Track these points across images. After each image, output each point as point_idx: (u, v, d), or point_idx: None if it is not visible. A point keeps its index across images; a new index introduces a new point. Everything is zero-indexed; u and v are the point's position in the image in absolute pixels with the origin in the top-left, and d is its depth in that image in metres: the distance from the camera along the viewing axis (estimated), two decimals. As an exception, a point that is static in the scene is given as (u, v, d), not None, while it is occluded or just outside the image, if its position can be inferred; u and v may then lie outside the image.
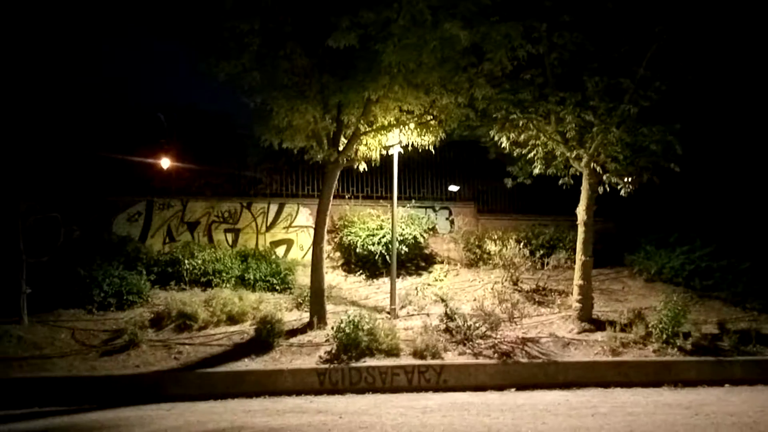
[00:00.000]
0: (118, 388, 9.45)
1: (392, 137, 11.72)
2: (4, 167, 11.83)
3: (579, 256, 11.85)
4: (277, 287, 13.09)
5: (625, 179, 11.60)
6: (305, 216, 15.11)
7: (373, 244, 14.03)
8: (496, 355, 10.23)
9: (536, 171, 12.04)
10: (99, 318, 11.58)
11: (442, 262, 14.75)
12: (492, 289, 12.92)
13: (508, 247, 13.64)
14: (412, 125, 11.49)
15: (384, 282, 13.40)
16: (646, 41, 10.89)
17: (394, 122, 11.33)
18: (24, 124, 12.44)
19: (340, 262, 14.62)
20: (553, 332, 11.06)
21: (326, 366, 9.90)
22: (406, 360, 10.09)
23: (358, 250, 14.21)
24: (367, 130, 11.38)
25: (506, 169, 12.83)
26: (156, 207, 14.56)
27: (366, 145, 11.71)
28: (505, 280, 13.30)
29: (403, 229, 14.21)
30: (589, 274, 11.78)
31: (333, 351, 10.15)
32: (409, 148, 12.09)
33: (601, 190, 11.78)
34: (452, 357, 10.22)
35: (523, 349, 10.36)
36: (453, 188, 15.29)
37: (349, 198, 15.28)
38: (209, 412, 8.59)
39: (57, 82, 13.51)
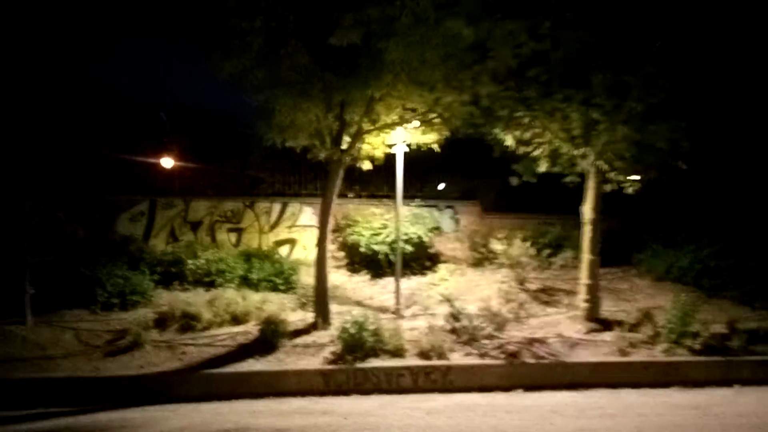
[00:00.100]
0: (123, 389, 9.44)
1: (396, 135, 11.65)
2: (8, 167, 11.83)
3: (585, 255, 11.74)
4: (281, 287, 13.04)
5: (632, 177, 11.48)
6: (309, 215, 15.07)
7: (377, 244, 13.98)
8: (502, 355, 10.13)
9: (542, 169, 11.92)
10: (102, 318, 11.57)
11: (447, 262, 14.66)
12: (498, 288, 12.82)
13: (514, 246, 13.54)
14: (415, 123, 11.41)
15: (388, 282, 13.34)
16: (652, 38, 10.76)
17: (398, 120, 11.25)
18: (27, 124, 12.44)
19: (344, 262, 14.58)
20: (560, 332, 10.95)
21: (331, 367, 9.83)
22: (411, 361, 10.01)
23: (362, 249, 14.16)
24: (371, 128, 11.31)
25: (511, 167, 12.72)
26: (159, 206, 14.56)
27: (369, 143, 11.64)
28: (512, 279, 13.20)
29: (408, 229, 14.13)
30: (596, 274, 11.67)
31: (338, 352, 10.08)
32: (413, 146, 12.03)
33: (607, 188, 11.67)
34: (458, 358, 10.14)
35: (530, 349, 10.25)
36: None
37: (353, 197, 15.23)
38: (214, 413, 8.58)
39: (60, 82, 13.52)
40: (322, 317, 11.13)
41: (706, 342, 10.48)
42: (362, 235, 14.20)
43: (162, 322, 11.25)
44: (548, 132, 11.46)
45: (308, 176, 15.22)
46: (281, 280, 13.15)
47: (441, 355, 10.08)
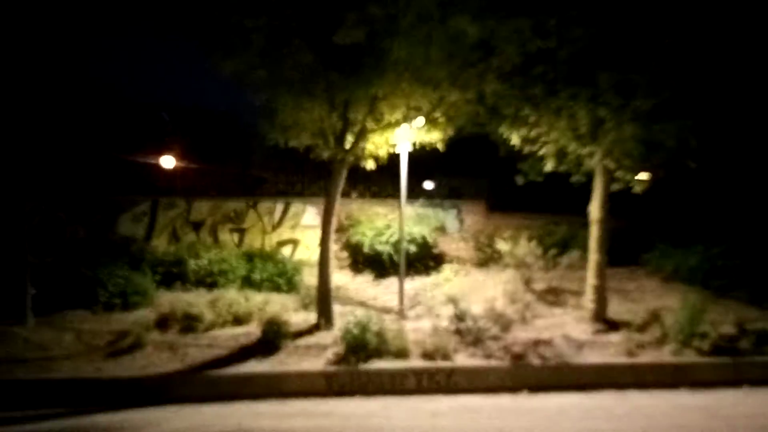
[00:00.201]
0: (124, 390, 9.36)
1: (400, 134, 11.56)
2: (9, 167, 11.79)
3: (592, 255, 11.64)
4: (284, 288, 12.98)
5: (639, 176, 11.38)
6: (312, 215, 14.99)
7: (381, 244, 13.91)
8: (507, 357, 10.03)
9: (548, 168, 11.83)
10: (104, 319, 11.51)
11: (451, 262, 14.58)
12: (503, 289, 12.71)
13: (520, 246, 13.43)
14: (420, 122, 11.31)
15: (392, 282, 13.26)
16: (659, 34, 10.65)
17: (402, 119, 11.17)
18: (28, 124, 12.40)
19: (347, 262, 14.52)
20: (566, 333, 10.83)
21: (334, 368, 9.75)
22: (415, 362, 9.91)
23: (365, 249, 14.09)
24: (375, 127, 11.22)
25: (517, 166, 12.62)
26: (161, 206, 14.52)
27: (373, 142, 11.56)
28: (517, 280, 13.08)
29: (412, 228, 14.04)
30: (603, 274, 11.57)
31: (340, 353, 9.99)
32: (418, 145, 11.94)
33: (615, 187, 11.57)
34: (463, 359, 10.04)
35: (535, 350, 10.14)
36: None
37: (357, 197, 15.15)
38: (216, 415, 8.52)
39: (61, 83, 13.48)
40: (325, 318, 11.04)
41: (715, 343, 10.38)
42: (366, 235, 14.12)
43: (163, 322, 11.16)
44: (554, 130, 11.36)
45: (311, 176, 15.16)
46: (284, 280, 13.09)
47: (445, 357, 9.99)
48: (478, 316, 10.91)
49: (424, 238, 14.27)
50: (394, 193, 13.41)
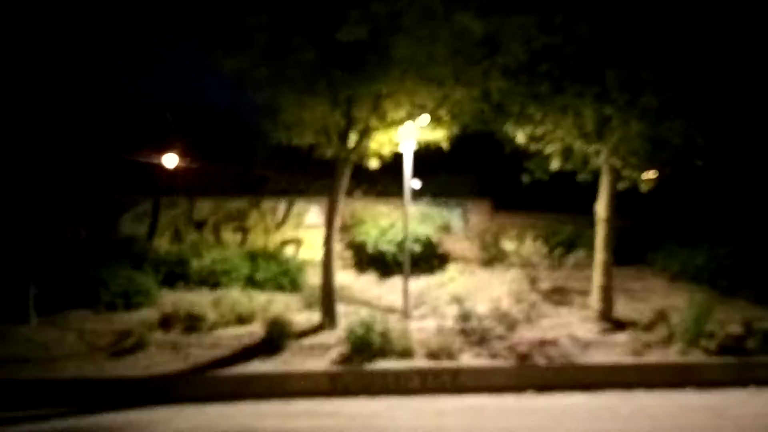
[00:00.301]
0: (127, 390, 9.35)
1: (404, 132, 11.49)
2: (11, 167, 11.79)
3: (598, 255, 11.56)
4: (287, 287, 12.92)
5: (645, 175, 11.30)
6: (315, 214, 14.92)
7: (385, 243, 13.84)
8: (513, 356, 9.98)
9: (554, 166, 11.75)
10: (106, 319, 11.49)
11: (456, 261, 14.50)
12: (509, 288, 12.63)
13: (525, 245, 13.35)
14: (424, 120, 11.24)
15: (396, 282, 13.18)
16: (666, 31, 10.57)
17: (406, 117, 11.09)
18: (30, 124, 12.39)
19: (351, 262, 14.45)
20: (572, 333, 10.76)
21: (338, 368, 9.71)
22: (420, 362, 9.87)
23: (369, 249, 14.02)
24: (378, 125, 11.14)
25: (522, 164, 12.54)
26: (163, 206, 14.48)
27: (377, 141, 11.49)
28: (522, 279, 13.00)
29: (416, 228, 13.97)
30: (609, 273, 11.48)
31: (345, 353, 9.96)
32: (422, 143, 11.87)
33: (621, 186, 11.49)
34: (468, 359, 9.99)
35: (541, 350, 10.09)
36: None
37: (361, 196, 15.08)
38: (219, 415, 8.50)
39: (62, 83, 13.47)
40: (329, 318, 10.98)
41: (722, 342, 10.33)
42: (370, 235, 14.05)
43: (166, 322, 11.12)
44: (560, 128, 11.29)
45: (315, 175, 15.07)
46: (287, 280, 13.03)
47: (450, 356, 9.94)
48: (483, 315, 10.85)
49: (428, 237, 14.20)
50: (398, 192, 13.34)
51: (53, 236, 12.50)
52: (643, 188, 11.52)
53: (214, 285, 12.66)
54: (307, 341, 10.46)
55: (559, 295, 12.64)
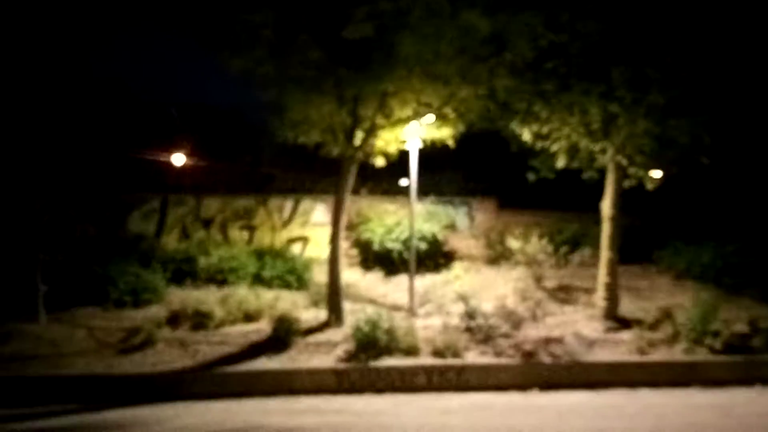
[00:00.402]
0: (135, 387, 9.44)
1: (410, 131, 11.49)
2: (19, 166, 11.87)
3: (604, 253, 11.54)
4: (294, 285, 12.95)
5: (651, 173, 11.27)
6: (322, 212, 14.93)
7: (391, 241, 13.84)
8: (518, 354, 10.00)
9: (560, 164, 11.74)
10: (115, 316, 11.57)
11: (461, 259, 14.49)
12: (514, 287, 12.63)
13: (531, 243, 13.34)
14: (430, 118, 11.24)
15: (402, 279, 13.20)
16: (673, 29, 10.53)
17: (412, 115, 11.10)
18: (37, 123, 12.46)
19: (357, 260, 14.46)
20: (577, 331, 10.76)
21: (344, 365, 9.76)
22: (425, 359, 9.90)
23: (375, 247, 14.03)
24: (384, 124, 11.16)
25: (528, 162, 12.53)
26: (170, 204, 14.53)
27: (383, 139, 11.50)
28: (528, 277, 12.99)
29: (422, 226, 13.97)
30: (614, 271, 11.47)
31: (351, 350, 10.00)
32: (428, 141, 11.87)
33: (627, 184, 11.46)
34: (473, 357, 10.02)
35: (546, 348, 10.10)
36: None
37: (367, 194, 15.08)
38: (226, 412, 8.55)
39: (69, 81, 13.52)
40: (335, 315, 11.02)
41: (728, 341, 10.32)
42: (376, 233, 14.06)
43: (174, 319, 11.20)
44: (566, 126, 11.27)
45: (321, 173, 15.08)
46: (294, 277, 13.06)
47: (456, 354, 9.97)
48: (488, 313, 10.86)
49: (434, 235, 14.20)
50: (404, 190, 13.35)
51: (62, 234, 12.56)
52: (649, 186, 11.48)
53: (222, 282, 12.71)
54: (314, 338, 10.51)
55: (564, 294, 12.63)
